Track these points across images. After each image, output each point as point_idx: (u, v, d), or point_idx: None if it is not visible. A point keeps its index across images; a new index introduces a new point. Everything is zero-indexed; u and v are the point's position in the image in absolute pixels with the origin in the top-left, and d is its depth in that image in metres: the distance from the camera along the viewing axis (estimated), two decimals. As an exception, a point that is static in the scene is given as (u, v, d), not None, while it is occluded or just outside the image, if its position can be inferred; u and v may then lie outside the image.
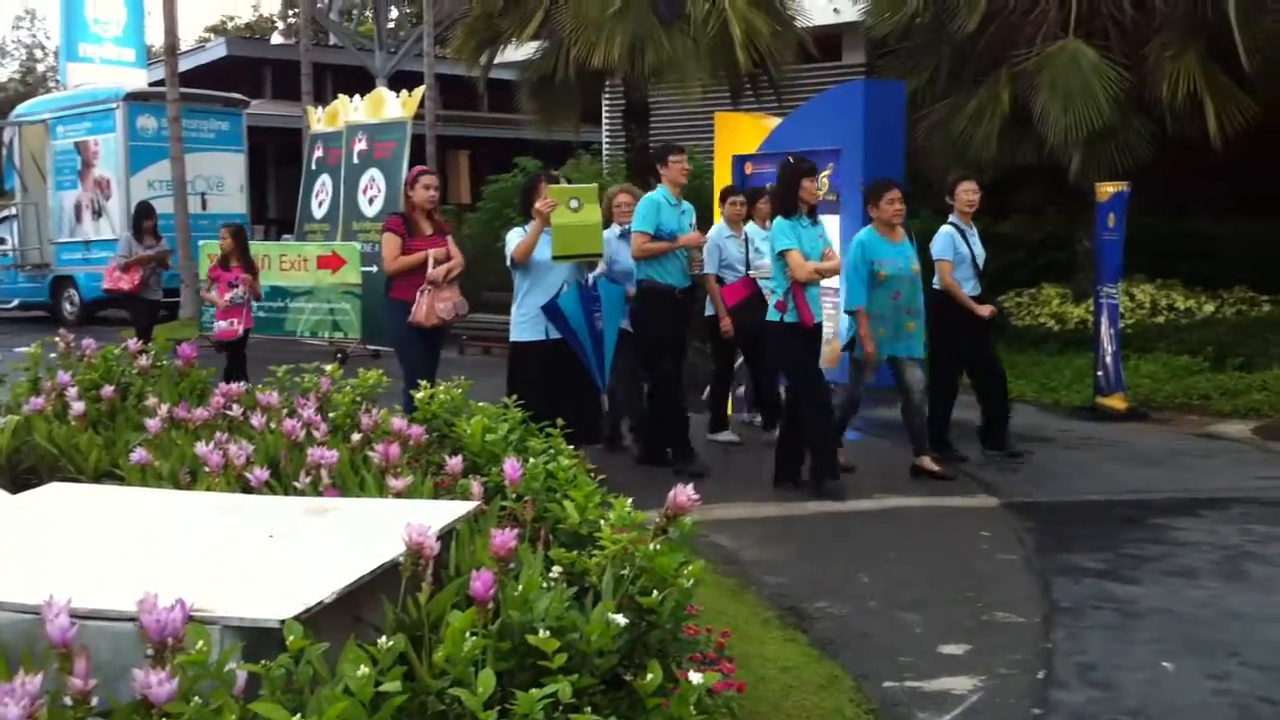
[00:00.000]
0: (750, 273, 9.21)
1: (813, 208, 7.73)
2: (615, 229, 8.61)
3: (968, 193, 8.67)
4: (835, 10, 16.82)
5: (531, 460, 4.13)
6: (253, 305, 10.99)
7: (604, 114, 21.46)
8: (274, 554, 3.23)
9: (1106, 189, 10.58)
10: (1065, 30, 13.18)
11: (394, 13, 30.44)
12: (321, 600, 2.69)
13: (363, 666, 2.38)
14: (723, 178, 14.12)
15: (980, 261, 8.72)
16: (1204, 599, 5.63)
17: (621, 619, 2.78)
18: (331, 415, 5.19)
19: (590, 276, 7.87)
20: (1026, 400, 11.29)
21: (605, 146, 21.75)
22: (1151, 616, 5.40)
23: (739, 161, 13.68)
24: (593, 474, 4.30)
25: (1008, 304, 14.68)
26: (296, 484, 4.12)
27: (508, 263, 7.66)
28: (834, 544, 6.66)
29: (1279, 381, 11.03)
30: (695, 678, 2.76)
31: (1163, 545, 6.56)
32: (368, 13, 30.59)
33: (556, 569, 3.20)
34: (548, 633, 2.66)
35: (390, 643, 2.52)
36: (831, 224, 11.84)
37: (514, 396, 5.38)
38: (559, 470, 4.13)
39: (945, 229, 8.65)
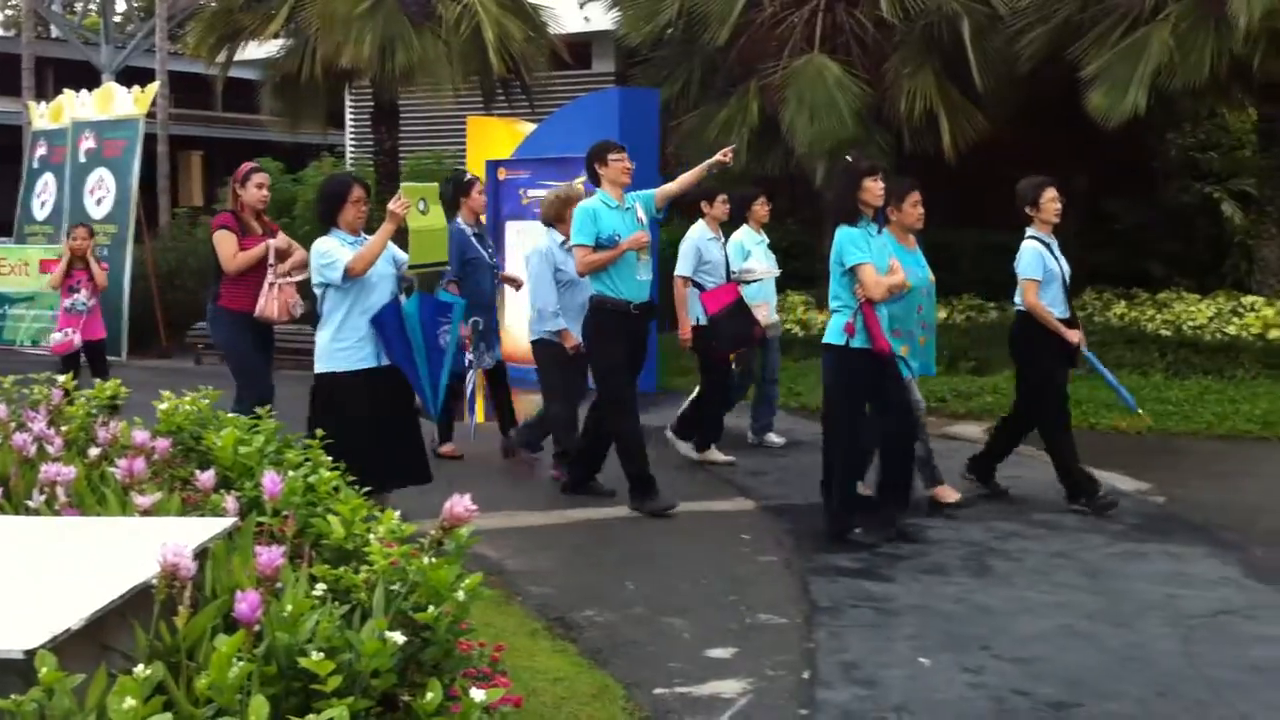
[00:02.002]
0: (734, 278, 8.79)
1: (878, 212, 6.85)
2: (557, 237, 8.04)
3: (1054, 201, 7.47)
4: (586, 19, 16.87)
5: (290, 473, 3.91)
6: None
7: (349, 116, 20.97)
8: (8, 579, 2.94)
9: (850, 199, 10.87)
10: (811, 45, 13.57)
11: (121, 5, 29.05)
12: (69, 628, 2.45)
13: (129, 698, 2.17)
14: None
15: (1068, 279, 7.61)
16: (956, 595, 5.83)
17: (399, 636, 2.63)
18: (64, 429, 4.82)
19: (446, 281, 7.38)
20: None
21: (350, 149, 21.27)
22: (908, 613, 5.55)
23: (492, 167, 13.56)
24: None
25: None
26: (29, 503, 3.79)
27: (332, 279, 6.26)
28: (597, 551, 6.62)
29: (1008, 384, 11.57)
30: (478, 695, 2.64)
31: (914, 544, 6.76)
32: (92, 6, 29.11)
33: (321, 586, 3.03)
34: (320, 654, 2.49)
35: (148, 671, 2.30)
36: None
37: (320, 435, 4.49)
38: (320, 484, 3.92)
39: (1031, 244, 7.47)
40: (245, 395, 7.32)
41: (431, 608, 2.91)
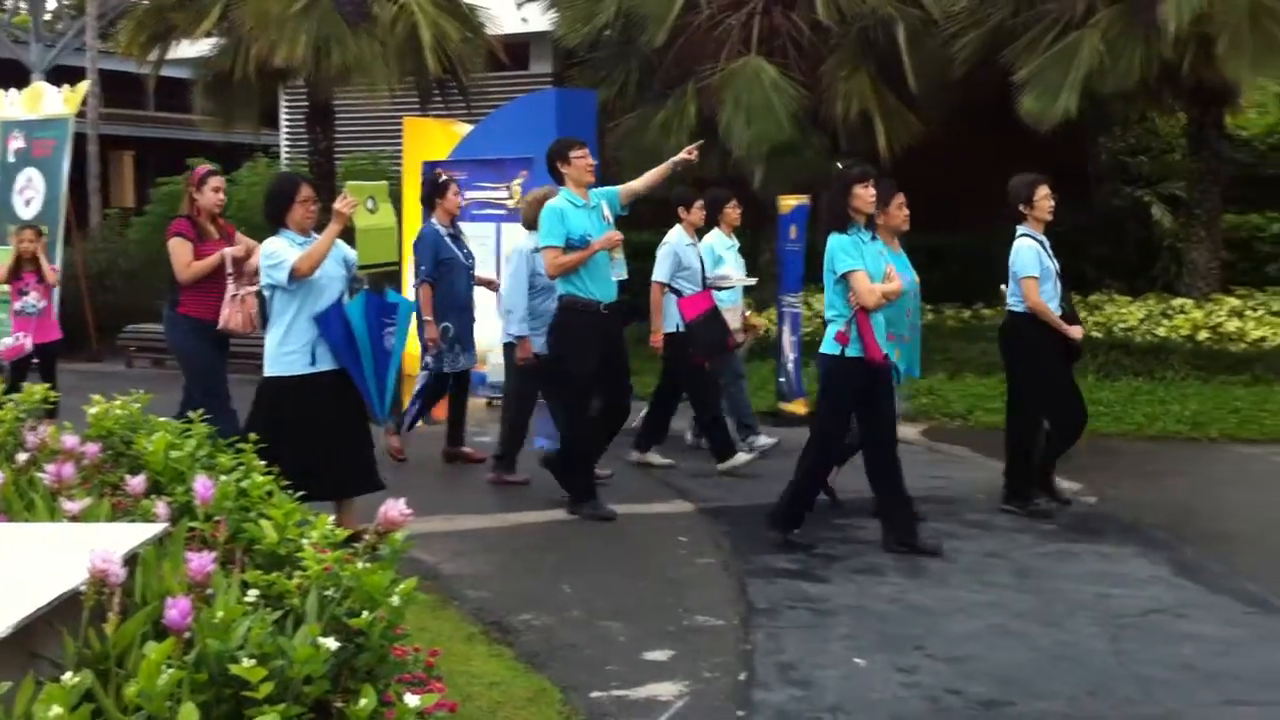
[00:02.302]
0: (709, 284, 8.69)
1: (870, 219, 6.74)
2: (532, 240, 7.82)
3: (1047, 198, 7.47)
4: (524, 19, 16.83)
5: (223, 478, 3.86)
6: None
7: (283, 115, 20.78)
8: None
9: (788, 202, 10.96)
10: (748, 47, 13.64)
11: (51, 3, 28.60)
12: (-5, 636, 2.41)
13: (55, 706, 2.13)
14: (412, 184, 13.88)
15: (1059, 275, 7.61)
16: (890, 595, 5.87)
17: (332, 642, 2.61)
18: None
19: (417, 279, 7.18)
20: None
21: (285, 149, 21.07)
22: (843, 614, 5.58)
23: (429, 168, 13.45)
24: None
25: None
26: (-47, 509, 3.72)
27: (279, 280, 6.13)
28: (535, 555, 6.60)
29: (943, 386, 11.72)
30: (412, 700, 2.62)
31: (850, 544, 6.81)
32: (22, 4, 28.63)
33: (253, 592, 3.00)
34: (252, 661, 2.46)
35: (76, 679, 2.27)
36: (520, 233, 11.84)
37: (254, 439, 4.37)
38: (253, 488, 3.88)
39: (1026, 241, 7.43)
40: (197, 403, 7.26)
41: (365, 613, 2.89)
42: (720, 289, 8.82)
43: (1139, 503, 7.82)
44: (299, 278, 6.10)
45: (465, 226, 13.18)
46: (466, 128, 13.69)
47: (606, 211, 7.40)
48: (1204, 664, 4.97)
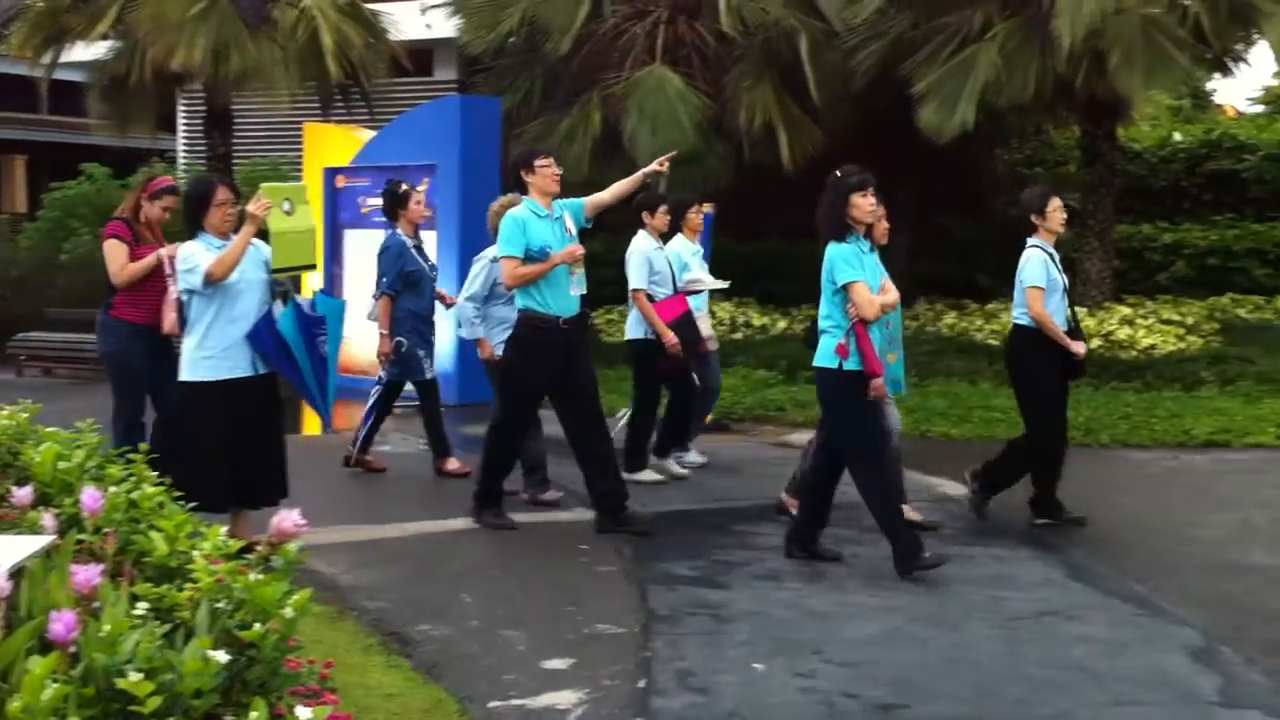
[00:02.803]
0: (682, 288, 8.62)
1: (869, 229, 6.60)
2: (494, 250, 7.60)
3: (1059, 210, 7.51)
4: (428, 25, 16.76)
5: (112, 489, 3.80)
6: None
7: (181, 120, 20.45)
8: None
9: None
10: (653, 57, 13.72)
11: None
12: None
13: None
14: (313, 191, 13.74)
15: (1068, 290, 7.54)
16: (789, 600, 5.93)
17: (223, 655, 2.58)
18: None
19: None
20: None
21: (183, 154, 20.74)
22: (742, 620, 5.63)
23: (330, 174, 13.37)
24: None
25: (599, 321, 15.05)
26: None
27: (194, 284, 6.04)
28: (434, 565, 6.56)
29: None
30: (304, 713, 2.60)
31: (749, 550, 6.87)
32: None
33: (143, 605, 2.95)
34: (139, 675, 2.43)
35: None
36: (429, 240, 11.78)
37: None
38: (143, 499, 3.82)
39: (1035, 252, 7.41)
40: (122, 413, 7.16)
41: (258, 625, 2.86)
42: (693, 293, 8.77)
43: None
44: (213, 282, 6.02)
45: (368, 235, 13.12)
46: (369, 134, 13.62)
47: (570, 223, 7.16)
48: (1094, 665, 5.08)
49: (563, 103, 14.42)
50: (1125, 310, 13.90)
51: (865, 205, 6.37)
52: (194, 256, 6.08)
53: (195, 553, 3.22)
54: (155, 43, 14.05)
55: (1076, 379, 7.77)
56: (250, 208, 6.08)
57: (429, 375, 8.78)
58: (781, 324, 14.70)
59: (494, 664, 5.01)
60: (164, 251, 7.05)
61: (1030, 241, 7.52)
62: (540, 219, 7.00)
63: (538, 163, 7.06)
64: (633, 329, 8.75)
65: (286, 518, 3.26)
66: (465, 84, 17.03)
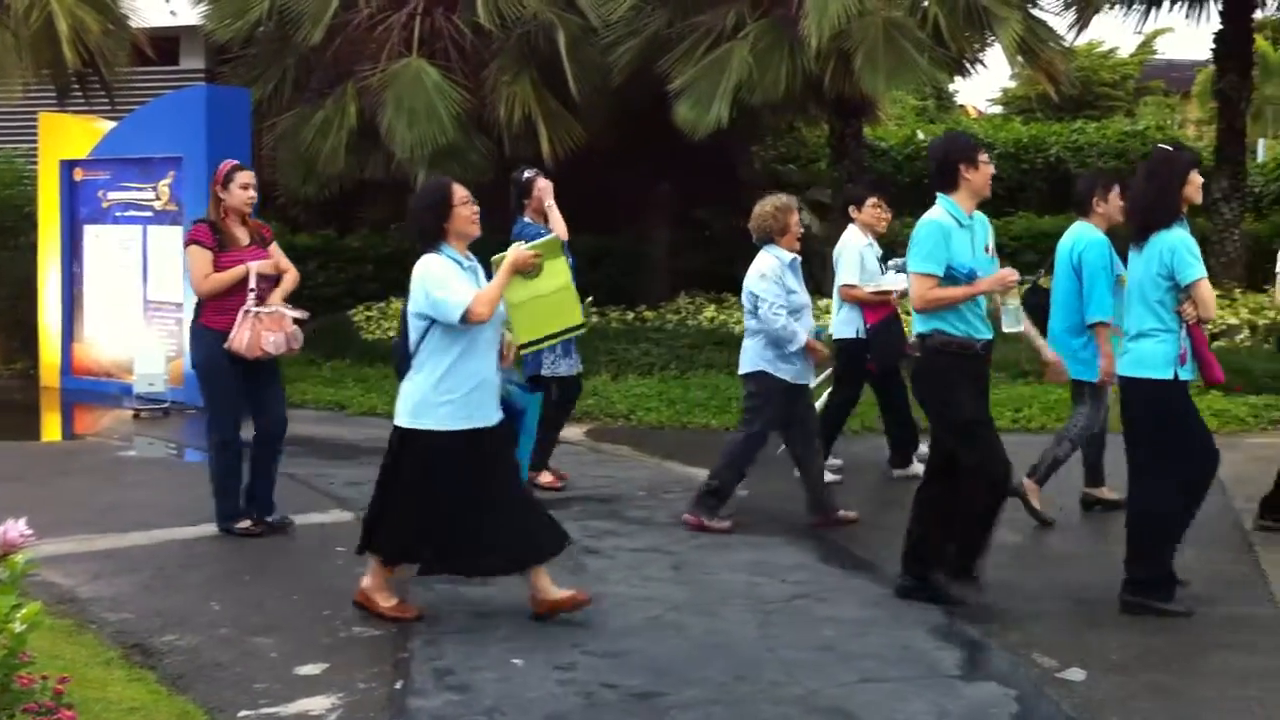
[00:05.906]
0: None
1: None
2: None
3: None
4: (173, 13, 16.10)
5: None
6: None
7: (-96, 110, 19.15)
8: None
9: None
10: (409, 49, 13.52)
11: None
12: None
13: None
14: (48, 184, 13.11)
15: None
16: (549, 595, 5.90)
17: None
18: None
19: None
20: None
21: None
22: (501, 616, 5.58)
23: (68, 167, 12.78)
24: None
25: (357, 318, 14.79)
26: None
27: (450, 319, 5.15)
28: (181, 574, 6.29)
29: (606, 387, 11.93)
30: (25, 734, 2.45)
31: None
32: None
33: None
34: None
35: None
36: (173, 235, 11.34)
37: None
38: None
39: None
40: (215, 427, 6.78)
41: (-21, 642, 2.70)
42: (900, 295, 8.00)
43: (787, 494, 8.12)
44: (473, 321, 5.15)
45: (110, 230, 12.56)
46: (109, 124, 13.04)
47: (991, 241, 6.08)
48: (843, 645, 5.24)
49: (316, 94, 14.07)
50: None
51: (1198, 182, 5.65)
52: (448, 280, 5.16)
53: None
54: None
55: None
56: (512, 256, 5.27)
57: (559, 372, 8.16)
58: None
59: (244, 672, 4.85)
60: (254, 265, 6.63)
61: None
62: (962, 228, 5.87)
63: (981, 158, 5.93)
64: (841, 328, 8.32)
65: (12, 527, 3.12)
66: (213, 73, 16.47)
